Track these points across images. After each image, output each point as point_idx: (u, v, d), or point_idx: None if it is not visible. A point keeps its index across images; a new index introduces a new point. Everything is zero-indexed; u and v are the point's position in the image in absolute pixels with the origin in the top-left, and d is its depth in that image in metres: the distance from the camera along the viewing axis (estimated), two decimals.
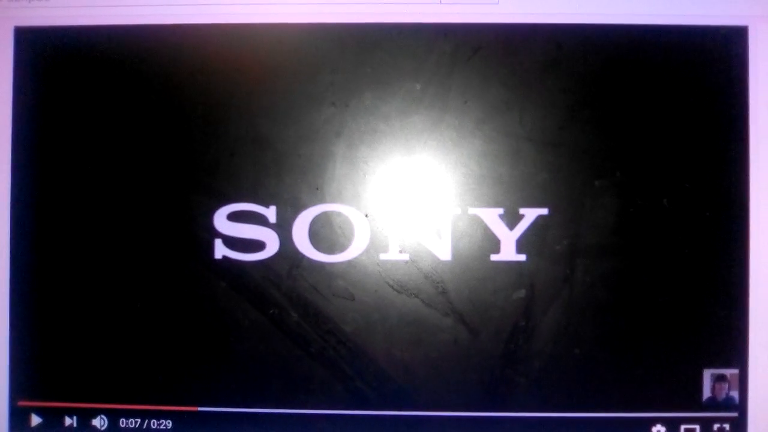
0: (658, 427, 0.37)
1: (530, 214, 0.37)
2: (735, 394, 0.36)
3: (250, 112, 0.37)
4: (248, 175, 0.37)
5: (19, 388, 0.38)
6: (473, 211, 0.37)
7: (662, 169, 0.36)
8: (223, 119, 0.37)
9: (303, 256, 0.37)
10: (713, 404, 0.36)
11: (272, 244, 0.37)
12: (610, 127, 0.36)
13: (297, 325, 0.37)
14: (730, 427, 0.36)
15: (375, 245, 0.37)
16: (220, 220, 0.37)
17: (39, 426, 0.38)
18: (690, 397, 0.37)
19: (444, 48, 0.37)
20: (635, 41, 0.37)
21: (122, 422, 0.38)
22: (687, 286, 0.36)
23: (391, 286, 0.37)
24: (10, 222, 0.37)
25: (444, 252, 0.37)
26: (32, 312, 0.37)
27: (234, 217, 0.37)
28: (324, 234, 0.37)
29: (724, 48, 0.37)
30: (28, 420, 0.38)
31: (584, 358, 0.37)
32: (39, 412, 0.38)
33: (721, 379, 0.36)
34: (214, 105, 0.37)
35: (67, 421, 0.38)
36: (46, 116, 0.37)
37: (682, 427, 0.37)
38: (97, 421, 0.38)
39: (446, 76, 0.37)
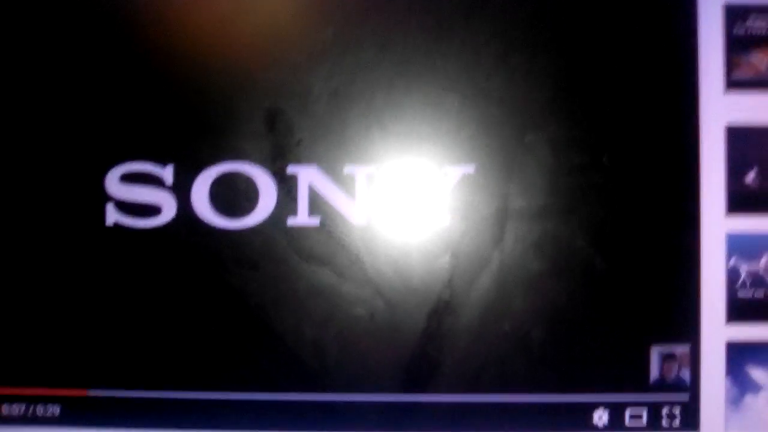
0: (600, 412, 0.32)
1: (454, 173, 0.33)
2: (686, 373, 0.32)
3: (142, 59, 0.33)
4: (143, 129, 0.33)
5: None
6: (391, 169, 0.33)
7: (602, 122, 0.33)
8: (114, 67, 0.33)
9: (202, 221, 0.33)
10: (662, 385, 0.32)
11: (169, 208, 0.33)
12: (544, 75, 0.33)
13: (195, 299, 0.33)
14: (681, 410, 0.32)
15: (282, 209, 0.33)
16: (112, 182, 0.33)
17: None
18: (636, 378, 0.32)
19: None
20: None
21: (5, 408, 0.34)
22: (631, 252, 0.32)
23: (300, 254, 0.33)
24: None
25: (358, 215, 0.33)
26: None
27: (127, 178, 0.33)
28: (226, 196, 0.33)
29: None
30: None
31: (516, 334, 0.32)
32: None
33: (670, 357, 0.32)
34: (103, 49, 0.33)
35: None
36: None
37: (627, 412, 0.32)
38: None
39: (361, 21, 0.33)
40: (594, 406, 0.32)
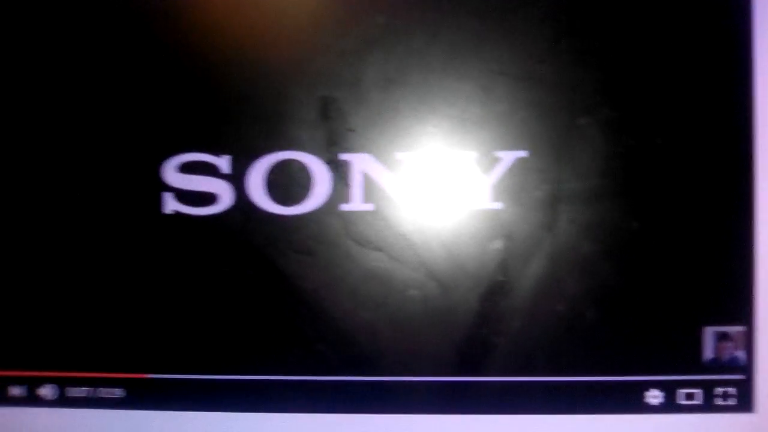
0: (653, 392, 0.33)
1: (507, 157, 0.33)
2: (741, 353, 0.32)
3: (198, 51, 0.34)
4: (200, 121, 0.34)
5: None
6: (444, 154, 0.33)
7: (655, 103, 0.33)
8: (171, 59, 0.34)
9: (258, 209, 0.34)
10: (716, 366, 0.32)
11: (226, 196, 0.34)
12: (597, 57, 0.33)
13: (252, 285, 0.34)
14: (737, 391, 0.32)
15: (336, 195, 0.34)
16: (170, 171, 0.34)
17: None
18: (690, 358, 0.32)
19: None
20: None
21: (71, 391, 0.35)
22: (684, 232, 0.32)
23: (354, 239, 0.34)
24: None
25: (411, 201, 0.33)
26: None
27: (185, 168, 0.34)
28: (281, 184, 0.34)
29: None
30: None
31: (569, 315, 0.33)
32: None
33: (724, 337, 0.32)
34: (159, 42, 0.34)
35: (13, 391, 0.35)
36: None
37: (681, 392, 0.33)
38: (45, 390, 0.35)
39: (412, 6, 0.33)
40: (647, 385, 0.33)
